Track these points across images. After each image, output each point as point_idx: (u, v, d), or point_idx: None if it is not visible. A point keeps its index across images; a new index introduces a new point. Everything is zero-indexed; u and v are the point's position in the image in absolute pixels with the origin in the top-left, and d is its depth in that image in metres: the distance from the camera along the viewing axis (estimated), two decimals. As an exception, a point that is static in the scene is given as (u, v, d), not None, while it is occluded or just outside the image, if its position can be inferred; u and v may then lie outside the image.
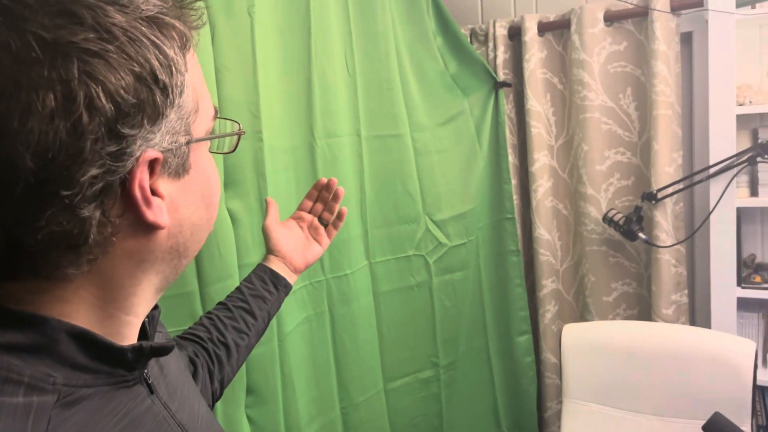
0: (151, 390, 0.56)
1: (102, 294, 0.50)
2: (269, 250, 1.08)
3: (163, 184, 0.50)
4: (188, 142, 0.51)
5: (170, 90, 0.48)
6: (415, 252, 1.98)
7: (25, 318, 0.47)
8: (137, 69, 0.45)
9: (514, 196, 2.31)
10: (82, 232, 0.45)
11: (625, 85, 2.12)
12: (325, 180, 1.16)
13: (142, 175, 0.47)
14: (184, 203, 0.53)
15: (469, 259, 2.19)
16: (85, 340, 0.49)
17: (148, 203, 0.48)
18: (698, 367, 1.66)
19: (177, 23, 0.49)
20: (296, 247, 1.10)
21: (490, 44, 2.28)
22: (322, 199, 1.16)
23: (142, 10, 0.46)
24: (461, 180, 2.17)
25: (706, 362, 1.66)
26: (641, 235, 2.01)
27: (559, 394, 2.33)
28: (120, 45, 0.44)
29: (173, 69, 0.48)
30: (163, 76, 0.47)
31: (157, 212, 0.49)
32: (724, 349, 1.66)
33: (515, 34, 2.26)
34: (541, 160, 2.23)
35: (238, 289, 1.03)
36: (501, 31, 2.25)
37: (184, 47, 0.50)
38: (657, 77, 1.96)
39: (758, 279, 2.00)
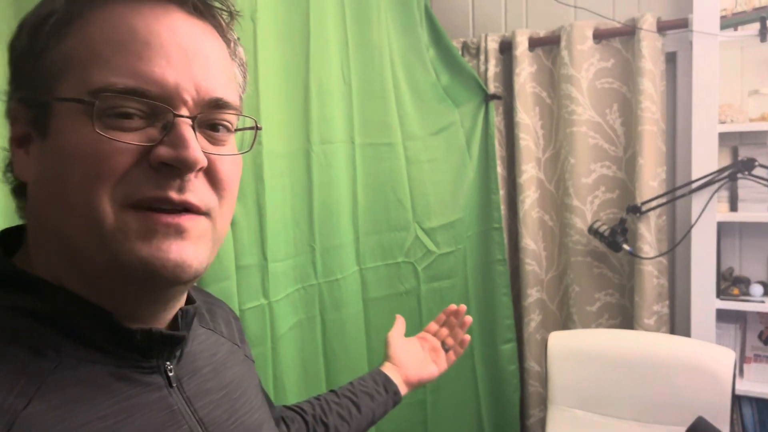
0: (170, 383, 0.56)
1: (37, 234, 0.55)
2: (387, 357, 1.13)
3: (33, 140, 0.52)
4: (43, 100, 0.51)
5: (34, 33, 0.52)
6: (405, 259, 2.00)
7: (39, 284, 0.50)
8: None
9: (502, 207, 2.35)
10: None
11: (612, 101, 2.18)
12: (455, 306, 1.22)
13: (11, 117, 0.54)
14: (37, 168, 0.52)
15: (457, 267, 2.22)
16: (95, 316, 0.51)
17: (11, 148, 0.54)
18: (680, 374, 1.71)
19: None
20: (412, 360, 1.13)
21: (482, 57, 2.33)
22: (448, 324, 1.22)
23: None
24: (451, 189, 2.20)
25: (687, 370, 1.71)
26: (626, 246, 2.06)
27: (542, 402, 2.37)
28: None
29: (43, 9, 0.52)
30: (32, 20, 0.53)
31: (15, 160, 0.54)
32: (704, 357, 1.71)
33: (506, 48, 2.31)
34: (529, 171, 2.28)
35: (350, 383, 1.07)
36: (492, 45, 2.30)
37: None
38: (643, 94, 2.02)
39: (736, 291, 2.06)
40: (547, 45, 2.26)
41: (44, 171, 0.51)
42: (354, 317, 1.83)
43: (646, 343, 1.82)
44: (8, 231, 0.57)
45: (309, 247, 1.66)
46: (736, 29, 1.94)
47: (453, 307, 1.22)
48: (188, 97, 0.51)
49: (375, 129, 1.89)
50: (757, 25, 1.88)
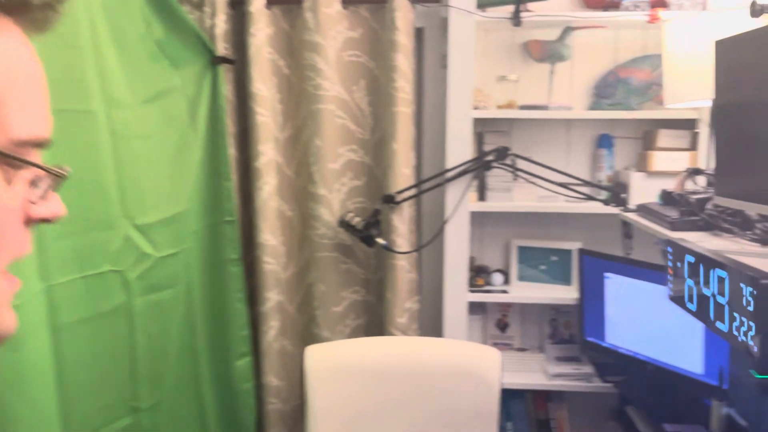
0: None
1: None
2: None
3: None
4: None
5: None
6: (112, 267, 1.56)
7: None
8: None
9: (234, 196, 1.95)
10: None
11: (358, 77, 1.96)
12: None
13: None
14: None
15: (181, 272, 1.79)
16: None
17: None
18: (449, 380, 1.60)
19: None
20: None
21: (207, 10, 1.89)
22: None
23: None
24: (172, 174, 1.77)
25: (456, 375, 1.60)
26: (380, 240, 1.86)
27: (281, 420, 2.08)
28: None
29: None
30: None
31: None
32: (472, 359, 1.62)
33: (238, 2, 1.90)
34: (268, 153, 1.92)
35: None
36: (221, -4, 1.87)
37: None
38: (397, 71, 1.83)
39: (481, 282, 2.03)
40: (286, 4, 1.92)
41: None
42: (37, 355, 1.35)
43: (412, 350, 1.65)
44: None
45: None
46: (484, 10, 1.87)
47: None
48: None
49: (63, 90, 1.40)
50: (507, 9, 1.83)
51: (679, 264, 1.19)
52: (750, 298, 0.92)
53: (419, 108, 2.06)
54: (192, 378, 1.91)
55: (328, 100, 1.90)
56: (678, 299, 1.21)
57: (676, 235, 1.30)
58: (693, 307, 1.14)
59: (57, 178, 0.51)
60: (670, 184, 1.63)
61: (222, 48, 1.90)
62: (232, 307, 1.98)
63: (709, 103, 1.63)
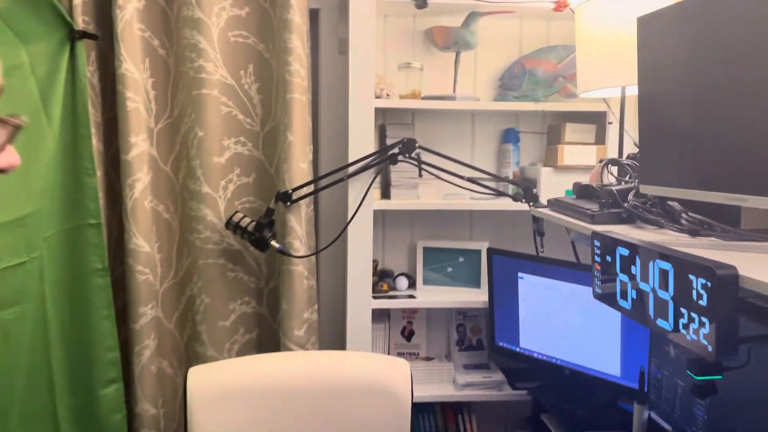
0: None
1: None
2: None
3: None
4: None
5: None
6: None
7: None
8: None
9: (99, 194, 1.66)
10: None
11: (246, 61, 1.74)
12: None
13: None
14: None
15: (30, 286, 1.49)
16: None
17: None
18: (355, 398, 1.42)
19: None
20: None
21: (61, -24, 1.60)
22: None
23: None
24: (18, 168, 1.44)
25: (363, 392, 1.42)
26: (274, 243, 1.65)
27: (160, 453, 1.80)
28: None
29: None
30: None
31: None
32: (380, 374, 1.45)
33: (99, -33, 1.63)
34: (140, 145, 1.66)
35: None
36: (79, -40, 1.59)
37: None
38: (291, 54, 1.63)
39: (385, 287, 1.87)
40: (161, -24, 1.67)
41: None
42: None
43: (312, 366, 1.45)
44: None
45: None
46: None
47: None
48: None
49: None
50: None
51: (608, 258, 1.09)
52: (702, 291, 0.82)
53: (315, 97, 1.88)
54: (46, 413, 1.59)
55: (212, 84, 1.67)
56: (608, 297, 1.10)
57: (598, 229, 1.21)
58: (627, 305, 1.04)
59: (14, 129, 0.48)
60: (579, 178, 1.55)
61: (81, 21, 1.62)
62: (97, 325, 1.68)
63: (619, 93, 1.57)
